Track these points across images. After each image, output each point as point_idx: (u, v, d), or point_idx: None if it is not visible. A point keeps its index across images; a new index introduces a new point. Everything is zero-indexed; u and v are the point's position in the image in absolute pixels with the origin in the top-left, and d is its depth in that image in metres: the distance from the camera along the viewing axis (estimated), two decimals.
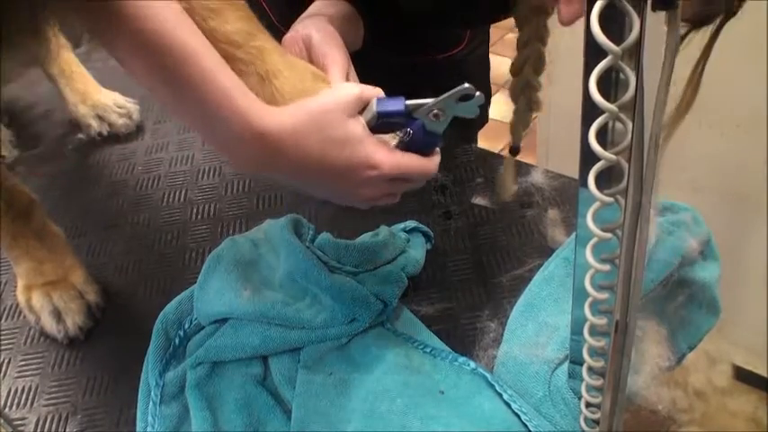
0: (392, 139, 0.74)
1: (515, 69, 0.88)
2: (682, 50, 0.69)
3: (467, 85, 0.69)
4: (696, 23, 0.68)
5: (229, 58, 0.81)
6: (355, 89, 0.71)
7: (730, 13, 0.68)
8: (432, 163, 0.74)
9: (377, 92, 0.73)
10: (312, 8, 0.98)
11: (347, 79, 0.83)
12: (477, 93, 0.69)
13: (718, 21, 0.68)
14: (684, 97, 0.72)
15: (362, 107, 0.71)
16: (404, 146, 0.72)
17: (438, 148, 0.74)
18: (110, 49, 0.67)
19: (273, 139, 0.67)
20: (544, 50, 0.87)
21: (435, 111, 0.70)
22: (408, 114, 0.71)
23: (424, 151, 0.73)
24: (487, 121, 1.33)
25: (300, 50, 0.87)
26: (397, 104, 0.71)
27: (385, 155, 0.70)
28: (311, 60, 0.86)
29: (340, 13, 0.96)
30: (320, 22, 0.90)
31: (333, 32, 0.89)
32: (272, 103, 0.83)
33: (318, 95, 0.71)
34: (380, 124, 0.71)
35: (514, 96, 0.90)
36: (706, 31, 0.69)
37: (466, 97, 0.69)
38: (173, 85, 0.66)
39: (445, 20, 0.96)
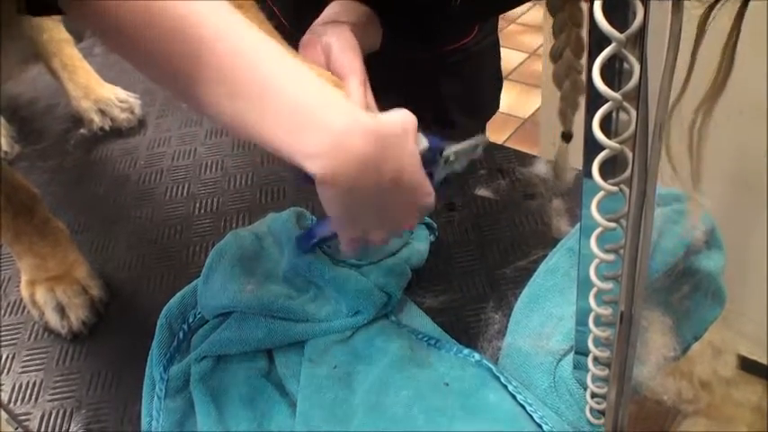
0: None
1: (554, 55, 0.88)
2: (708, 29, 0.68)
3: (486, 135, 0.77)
4: None
5: None
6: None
7: None
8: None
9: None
10: (329, 12, 0.97)
11: (364, 93, 0.84)
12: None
13: None
14: (718, 76, 0.71)
15: None
16: None
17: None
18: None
19: (384, 133, 0.62)
20: (582, 33, 0.86)
21: (456, 154, 0.75)
22: (439, 152, 0.74)
23: None
24: (498, 109, 1.33)
25: (319, 56, 0.87)
26: (436, 142, 0.73)
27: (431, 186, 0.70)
28: (329, 68, 0.86)
29: (359, 17, 0.95)
30: (342, 31, 0.90)
31: (353, 42, 0.88)
32: None
33: (399, 111, 0.68)
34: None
35: (558, 82, 0.89)
36: (735, 3, 0.67)
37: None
38: (256, 112, 0.60)
39: (461, 11, 0.96)
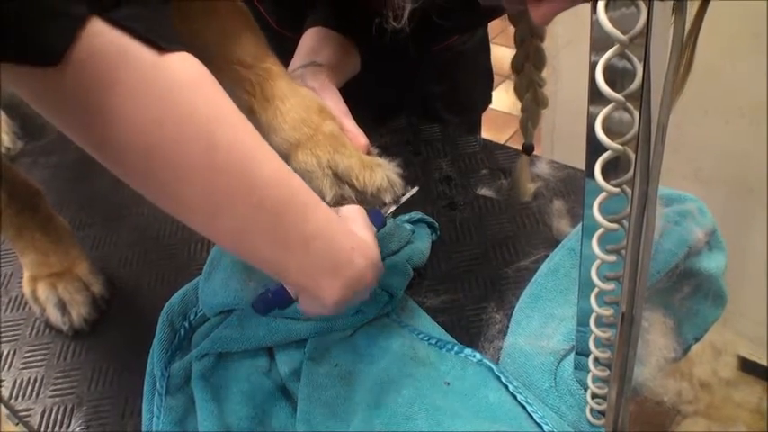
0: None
1: (516, 67, 0.88)
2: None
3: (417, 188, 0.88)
4: None
5: (237, 80, 0.81)
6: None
7: None
8: None
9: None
10: (306, 46, 0.99)
11: (355, 126, 0.90)
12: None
13: None
14: (678, 74, 0.72)
15: None
16: None
17: None
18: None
19: (377, 261, 0.69)
20: (542, 46, 0.86)
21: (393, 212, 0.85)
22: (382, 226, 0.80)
23: None
24: (491, 102, 1.33)
25: None
26: (378, 218, 0.78)
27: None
28: None
29: (335, 51, 0.98)
30: (320, 77, 0.95)
31: (332, 87, 0.94)
32: (272, 125, 0.83)
33: (357, 215, 0.72)
34: None
35: (520, 94, 0.90)
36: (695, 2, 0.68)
37: None
38: (290, 244, 0.61)
39: (438, 32, 0.97)
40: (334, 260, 0.64)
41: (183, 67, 0.53)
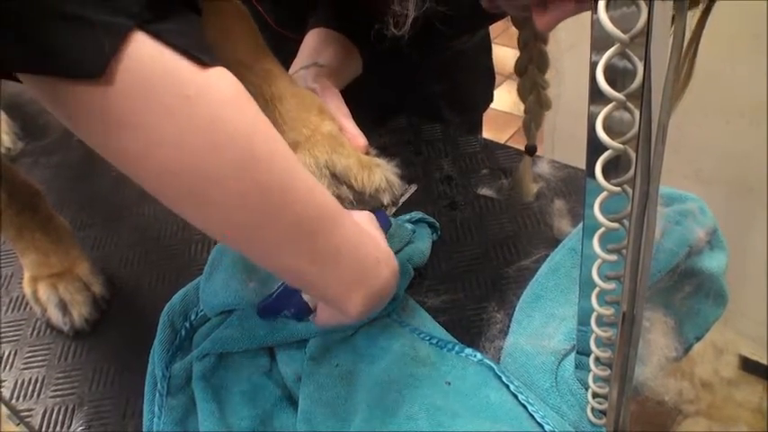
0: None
1: (520, 69, 0.88)
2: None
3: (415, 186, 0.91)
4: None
5: None
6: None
7: None
8: None
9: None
10: (309, 47, 0.99)
11: (355, 127, 0.91)
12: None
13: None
14: (679, 79, 0.72)
15: None
16: None
17: None
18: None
19: (398, 270, 0.69)
20: (546, 49, 0.86)
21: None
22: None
23: None
24: (492, 101, 1.34)
25: None
26: (385, 220, 0.80)
27: None
28: None
29: (337, 53, 0.98)
30: (321, 79, 0.95)
31: (333, 89, 0.95)
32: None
33: (368, 221, 0.72)
34: None
35: (523, 96, 0.90)
36: (696, 12, 0.68)
37: None
38: (328, 254, 0.61)
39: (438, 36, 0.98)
40: (362, 272, 0.64)
41: (223, 84, 0.52)
